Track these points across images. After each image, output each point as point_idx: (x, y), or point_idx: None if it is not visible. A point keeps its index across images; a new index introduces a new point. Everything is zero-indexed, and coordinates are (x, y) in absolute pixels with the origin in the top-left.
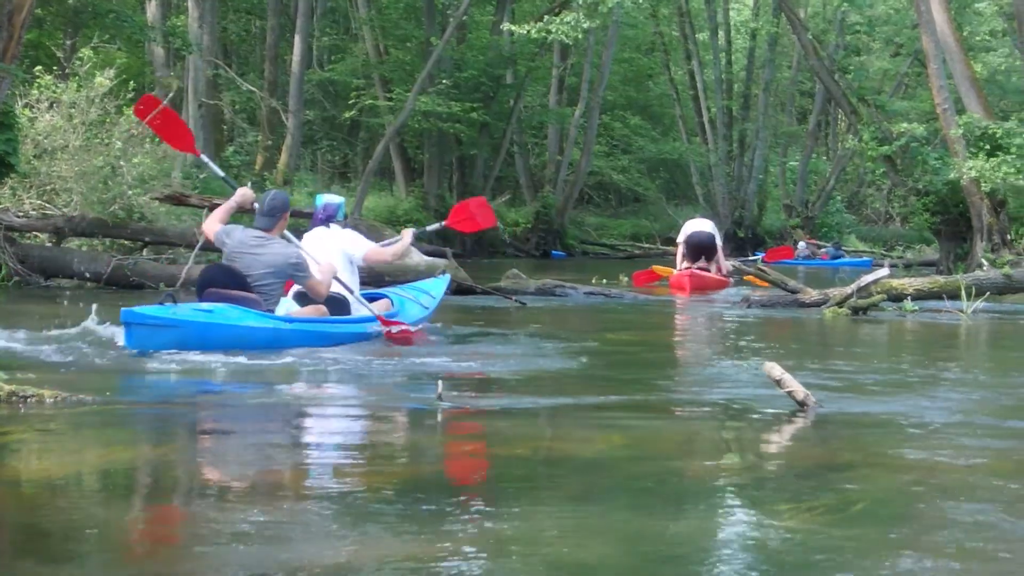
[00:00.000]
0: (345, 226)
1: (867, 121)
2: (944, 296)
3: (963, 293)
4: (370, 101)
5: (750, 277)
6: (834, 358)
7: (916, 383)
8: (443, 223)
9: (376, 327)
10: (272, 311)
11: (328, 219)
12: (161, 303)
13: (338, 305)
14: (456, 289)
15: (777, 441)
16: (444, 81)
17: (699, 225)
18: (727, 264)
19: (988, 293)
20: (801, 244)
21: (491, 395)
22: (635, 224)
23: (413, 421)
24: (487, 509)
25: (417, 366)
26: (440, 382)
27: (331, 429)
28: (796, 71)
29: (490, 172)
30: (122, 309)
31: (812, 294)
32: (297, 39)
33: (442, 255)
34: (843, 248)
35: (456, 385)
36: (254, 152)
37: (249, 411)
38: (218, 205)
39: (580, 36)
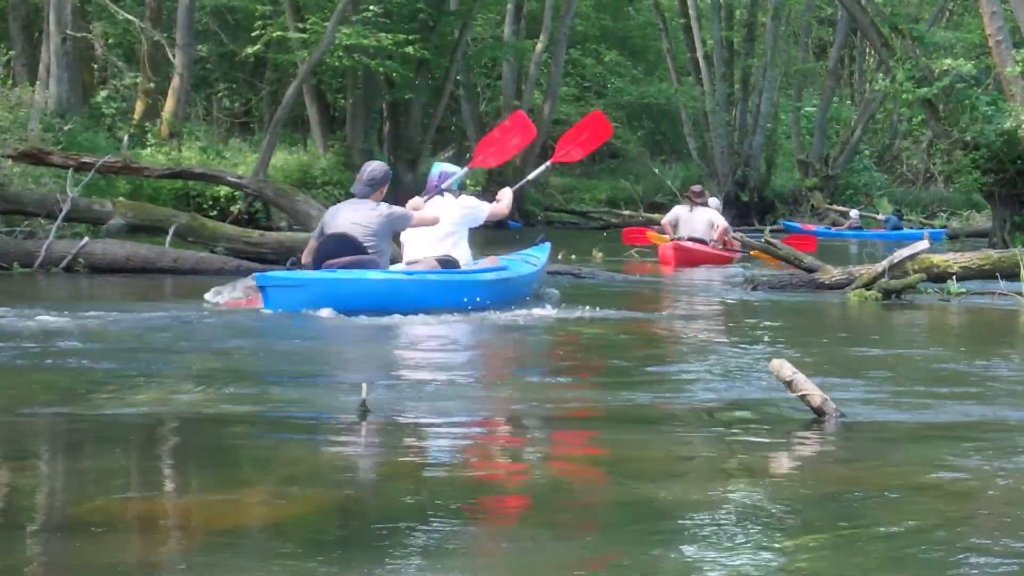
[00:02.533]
0: (457, 193)
1: (901, 57)
2: (998, 275)
3: (1022, 271)
4: (278, 33)
5: (757, 252)
6: (860, 354)
7: (961, 386)
8: (549, 162)
9: (490, 275)
10: (384, 265)
11: (441, 185)
12: (288, 267)
13: (448, 263)
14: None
15: (788, 459)
16: (372, 7)
17: (692, 222)
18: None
19: None
20: (854, 212)
21: (432, 401)
22: (612, 186)
23: (331, 435)
24: (411, 550)
25: (340, 365)
26: (365, 386)
27: (223, 449)
28: None
29: (430, 121)
30: (256, 274)
31: (833, 273)
32: None
33: None
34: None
35: (388, 390)
36: (132, 97)
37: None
38: (86, 163)
39: None
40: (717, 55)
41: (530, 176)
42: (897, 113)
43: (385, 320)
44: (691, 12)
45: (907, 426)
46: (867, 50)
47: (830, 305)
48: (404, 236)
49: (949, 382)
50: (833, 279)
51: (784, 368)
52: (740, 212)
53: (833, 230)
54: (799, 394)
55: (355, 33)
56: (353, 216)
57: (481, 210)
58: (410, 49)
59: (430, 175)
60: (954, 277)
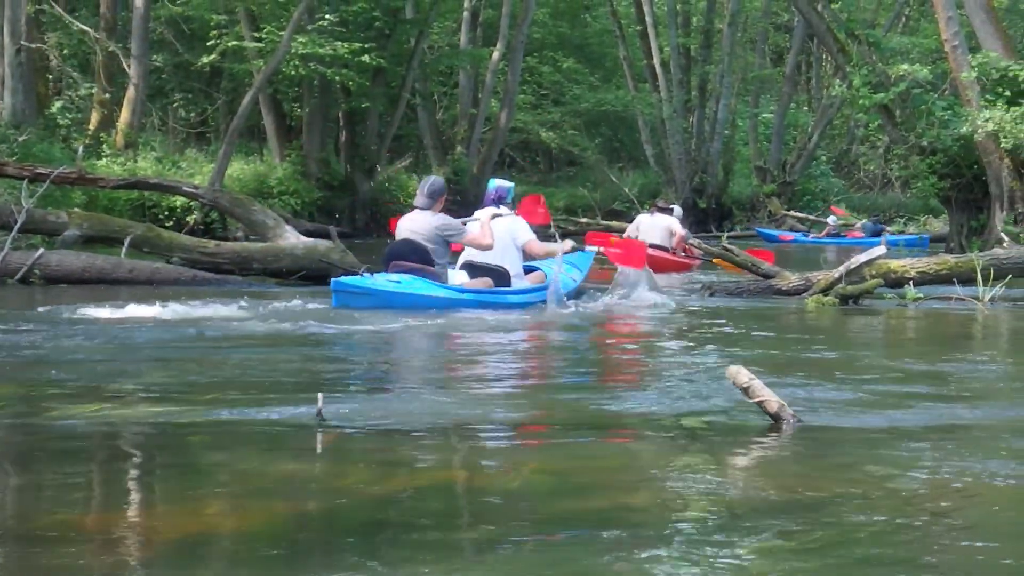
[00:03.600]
0: (511, 206)
1: (858, 62)
2: (955, 280)
3: (979, 276)
4: (234, 43)
5: (718, 260)
6: (817, 359)
7: (919, 391)
8: (600, 249)
9: (533, 297)
10: (443, 271)
11: (499, 200)
12: (360, 274)
13: (500, 277)
14: (344, 276)
15: (745, 465)
16: (328, 16)
17: (651, 230)
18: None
19: (1010, 276)
20: (832, 218)
21: (388, 411)
22: (570, 193)
23: (287, 446)
24: (369, 559)
25: (296, 373)
26: (321, 396)
27: (181, 461)
28: (769, 0)
29: (386, 130)
30: (332, 279)
31: (791, 279)
32: None
33: (325, 235)
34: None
35: (344, 399)
36: (88, 108)
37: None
38: (41, 174)
39: None
40: (674, 62)
41: (588, 251)
42: (854, 119)
43: (352, 327)
44: (648, 19)
45: (864, 430)
46: (824, 56)
47: (787, 311)
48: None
49: (906, 386)
50: (791, 285)
51: (741, 374)
52: (698, 219)
53: (811, 237)
54: (756, 400)
55: (311, 42)
56: (412, 225)
57: (520, 236)
58: (366, 58)
59: (487, 189)
60: (911, 282)
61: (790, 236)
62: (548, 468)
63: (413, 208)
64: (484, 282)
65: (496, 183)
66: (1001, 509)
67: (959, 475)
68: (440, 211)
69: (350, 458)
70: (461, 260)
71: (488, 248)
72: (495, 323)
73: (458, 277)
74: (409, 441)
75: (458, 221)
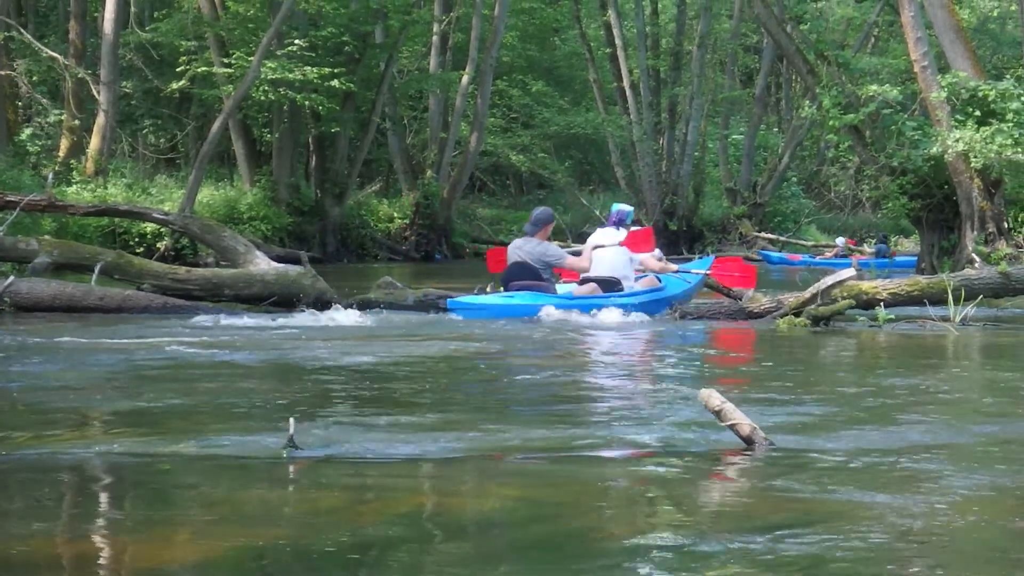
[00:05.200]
0: (629, 227)
1: (827, 83)
2: (926, 301)
3: (950, 297)
4: (203, 68)
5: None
6: (788, 381)
7: (890, 413)
8: (707, 272)
9: (637, 299)
10: (551, 288)
11: (619, 222)
12: (476, 292)
13: (611, 285)
14: (314, 302)
15: (718, 489)
16: (297, 41)
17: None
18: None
19: (981, 296)
20: (840, 240)
21: (359, 437)
22: None
23: (258, 472)
24: None
25: (267, 399)
26: (292, 421)
27: (149, 488)
28: (738, 21)
29: (356, 155)
30: (448, 300)
31: (762, 301)
32: None
33: (296, 260)
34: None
35: (316, 425)
36: (57, 135)
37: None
38: (11, 202)
39: None
40: (644, 84)
41: (687, 265)
42: (824, 139)
43: (324, 352)
44: (617, 41)
45: (836, 452)
46: (794, 77)
47: (759, 333)
48: (595, 254)
49: (878, 408)
50: (762, 307)
51: (713, 398)
52: (669, 241)
53: (818, 259)
54: (728, 423)
55: (280, 67)
56: (519, 250)
57: (635, 253)
58: (336, 82)
59: (611, 212)
60: (882, 303)
61: (798, 257)
62: (521, 493)
63: (523, 234)
64: (591, 288)
65: (618, 207)
66: (976, 528)
67: (933, 495)
68: (546, 237)
69: (322, 485)
70: (582, 275)
71: (584, 271)
72: (475, 348)
73: (573, 288)
74: (381, 468)
75: (559, 249)
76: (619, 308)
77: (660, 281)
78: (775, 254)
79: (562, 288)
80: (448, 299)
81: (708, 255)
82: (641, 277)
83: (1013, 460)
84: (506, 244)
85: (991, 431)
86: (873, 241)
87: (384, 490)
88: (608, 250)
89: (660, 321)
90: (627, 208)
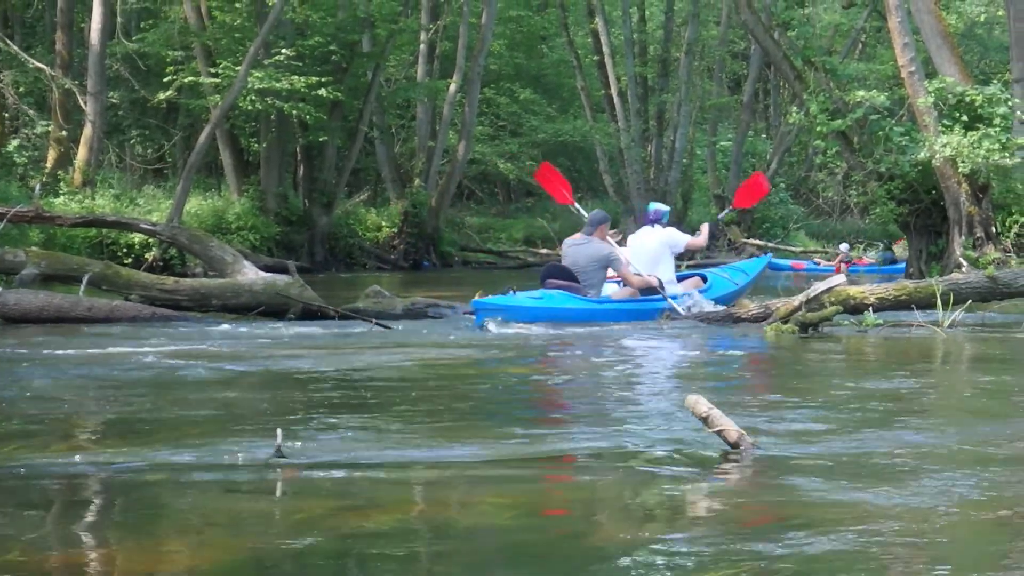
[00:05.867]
0: (665, 226)
1: (815, 89)
2: (914, 306)
3: (938, 301)
4: (190, 78)
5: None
6: (776, 387)
7: (878, 417)
8: (730, 207)
9: (663, 304)
10: (595, 293)
11: (656, 221)
12: (503, 293)
13: (650, 288)
14: (303, 313)
15: (705, 494)
16: (284, 51)
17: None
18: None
19: (969, 301)
20: (843, 246)
21: (346, 447)
22: (528, 224)
23: (246, 482)
24: None
25: (255, 409)
26: (280, 432)
27: (138, 498)
28: (725, 28)
29: (344, 164)
30: (472, 300)
31: (750, 307)
32: (96, 2)
33: (283, 270)
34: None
35: (302, 435)
36: (44, 146)
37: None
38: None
39: None
40: (631, 91)
41: (720, 215)
42: (812, 146)
43: (302, 364)
44: (605, 49)
45: (824, 457)
46: (781, 83)
47: (747, 339)
48: (632, 257)
49: (865, 413)
50: (750, 313)
51: (700, 404)
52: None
53: (823, 265)
54: (715, 429)
55: (267, 76)
56: (573, 252)
57: (680, 240)
58: (323, 91)
59: (648, 211)
60: (871, 309)
61: (803, 265)
62: (510, 500)
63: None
64: (629, 292)
65: (655, 206)
66: (963, 533)
67: (921, 501)
68: (603, 237)
69: (310, 495)
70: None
71: (633, 286)
72: (461, 356)
73: (612, 290)
74: (370, 477)
75: (620, 253)
76: (646, 312)
77: (705, 281)
78: (778, 261)
79: (607, 288)
80: (473, 300)
81: (764, 254)
82: (686, 276)
83: (1002, 463)
84: (499, 252)
85: (979, 434)
86: (878, 248)
87: (373, 498)
88: (646, 244)
89: (647, 328)
90: (664, 208)
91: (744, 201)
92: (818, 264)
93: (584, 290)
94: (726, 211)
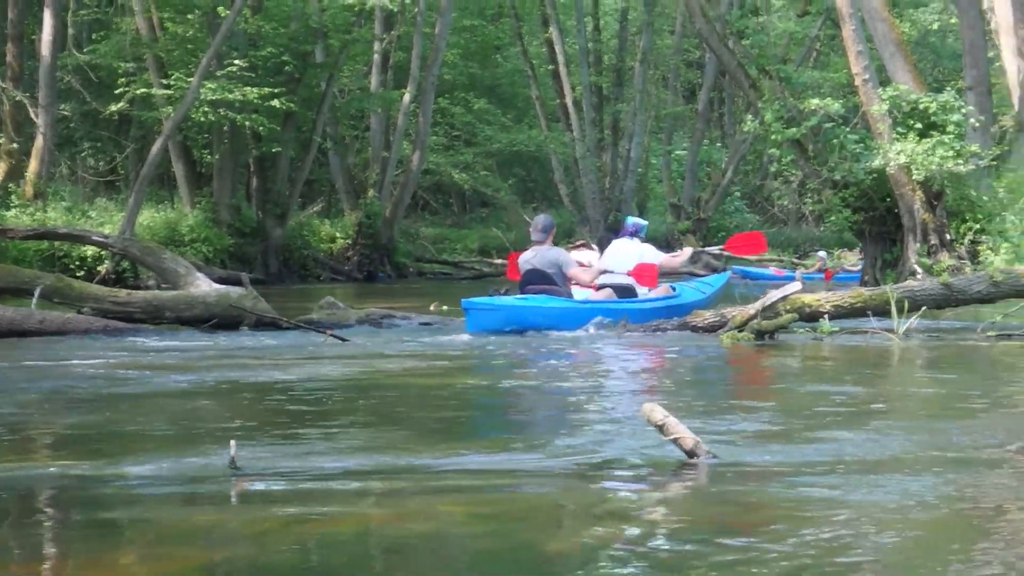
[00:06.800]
0: (643, 240)
1: (769, 98)
2: (870, 313)
3: (893, 308)
4: (143, 90)
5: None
6: (732, 395)
7: (833, 424)
8: (722, 248)
9: (651, 305)
10: (568, 296)
11: (634, 234)
12: (491, 295)
13: (627, 291)
14: (257, 324)
15: (661, 503)
16: (237, 61)
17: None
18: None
19: (924, 308)
20: (821, 253)
21: (302, 458)
22: (483, 235)
23: (200, 494)
24: None
25: (210, 419)
26: (233, 443)
27: (90, 510)
28: (680, 37)
29: (297, 175)
30: (462, 300)
31: (705, 316)
32: (47, 14)
33: (237, 282)
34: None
35: (257, 446)
36: None
37: None
38: None
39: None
40: (586, 100)
41: (707, 249)
42: (767, 154)
43: (256, 376)
44: (559, 58)
45: (780, 465)
46: (736, 92)
47: (702, 348)
48: (603, 265)
49: (821, 420)
50: (705, 322)
51: (656, 412)
52: None
53: (801, 273)
54: (671, 437)
55: (220, 88)
56: (533, 257)
57: (651, 257)
58: (276, 102)
59: (626, 223)
60: (826, 316)
61: (783, 272)
62: (466, 509)
63: (532, 244)
64: (606, 294)
65: (633, 219)
66: (920, 539)
67: (881, 506)
68: (551, 242)
69: (266, 506)
70: (598, 281)
71: (586, 285)
72: (416, 366)
73: (587, 293)
74: (326, 488)
75: (570, 256)
76: (624, 313)
77: (674, 289)
78: (754, 270)
79: (577, 294)
80: (463, 300)
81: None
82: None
83: (953, 469)
84: (454, 262)
85: (936, 438)
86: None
87: (328, 509)
88: (625, 252)
89: (603, 336)
90: (642, 221)
91: (737, 249)
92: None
93: (561, 292)
94: (714, 249)
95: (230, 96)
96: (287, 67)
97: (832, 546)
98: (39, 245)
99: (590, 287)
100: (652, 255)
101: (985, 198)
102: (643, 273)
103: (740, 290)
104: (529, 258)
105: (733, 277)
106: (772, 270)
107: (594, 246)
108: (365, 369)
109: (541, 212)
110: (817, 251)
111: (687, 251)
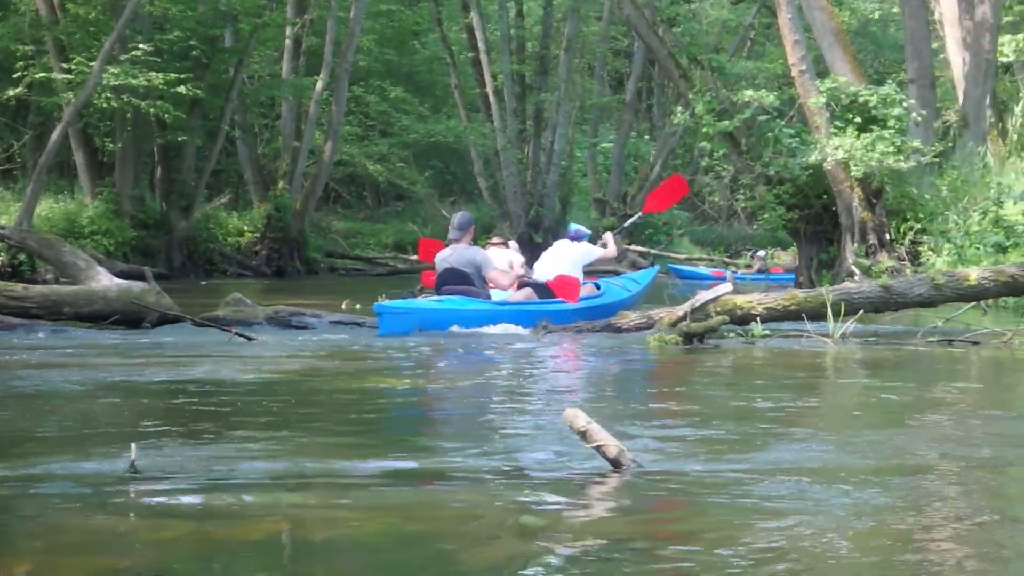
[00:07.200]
0: (581, 242)
1: (701, 88)
2: (804, 316)
3: (829, 311)
4: (42, 74)
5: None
6: (659, 401)
7: (764, 432)
8: (640, 213)
9: (563, 305)
10: (486, 297)
11: (576, 238)
12: (404, 297)
13: (548, 291)
14: (160, 321)
15: (581, 514)
16: (141, 45)
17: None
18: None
19: (861, 311)
20: (761, 252)
21: (203, 463)
22: (399, 229)
23: (99, 499)
24: None
25: (111, 421)
26: (134, 446)
27: None
28: (607, 24)
29: (204, 165)
30: (375, 304)
31: (631, 317)
32: None
33: (139, 276)
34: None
35: (157, 450)
36: None
37: None
38: None
39: None
40: (508, 90)
41: (625, 224)
42: (698, 147)
43: (159, 375)
44: (480, 45)
45: (706, 474)
46: (666, 82)
47: (627, 351)
48: (538, 267)
49: (750, 427)
50: (631, 323)
51: (578, 418)
52: (535, 255)
53: (739, 273)
54: (594, 445)
55: (123, 73)
56: (450, 256)
57: (593, 253)
58: (182, 88)
59: (569, 230)
60: (758, 319)
61: (722, 272)
62: (378, 519)
63: (449, 242)
64: (526, 294)
65: (576, 227)
66: (852, 550)
67: (805, 518)
68: (470, 241)
69: (166, 512)
70: (520, 281)
71: (504, 289)
72: (330, 367)
73: (509, 294)
74: (230, 494)
75: (489, 256)
76: (544, 315)
77: (599, 288)
78: (688, 268)
79: (496, 295)
80: (375, 303)
81: (651, 265)
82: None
83: (886, 478)
84: (367, 258)
85: (869, 447)
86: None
87: (233, 517)
88: (562, 257)
89: (522, 338)
90: (585, 230)
91: (658, 205)
92: (736, 272)
93: (479, 293)
94: (634, 217)
95: (134, 82)
96: (194, 52)
97: (762, 558)
98: None
99: (510, 288)
100: (592, 253)
101: (927, 196)
102: (564, 286)
103: (669, 290)
104: (446, 256)
105: (663, 276)
106: (707, 270)
107: (514, 243)
108: (273, 369)
109: (459, 206)
110: (755, 251)
111: (608, 236)
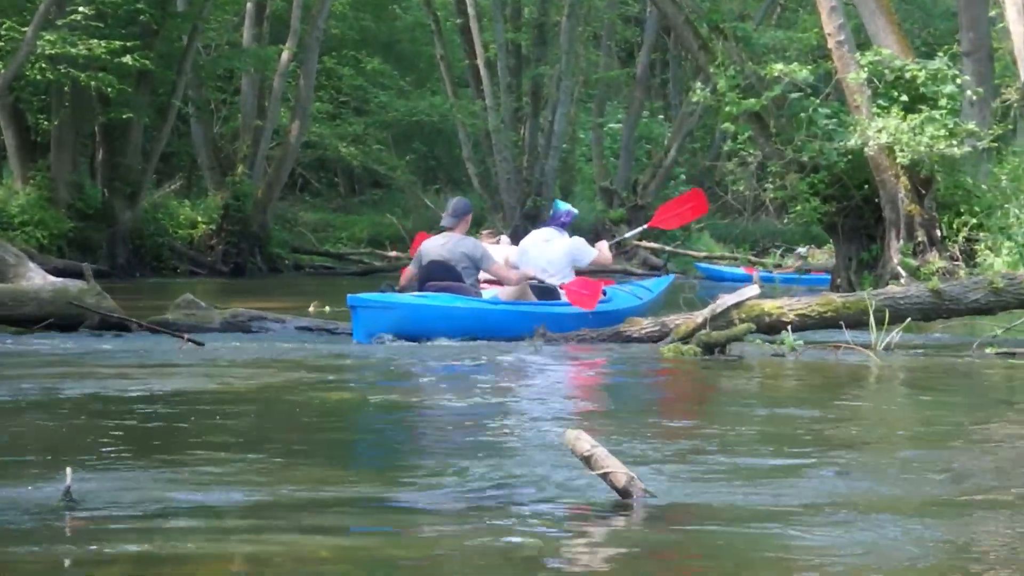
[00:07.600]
0: (572, 234)
1: (724, 61)
2: (843, 324)
3: (871, 319)
4: None
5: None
6: (673, 421)
7: (793, 458)
8: (646, 225)
9: (565, 308)
10: (476, 295)
11: (564, 224)
12: (382, 290)
13: (548, 293)
14: (100, 325)
15: (585, 551)
16: (81, 9)
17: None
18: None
19: (909, 319)
20: (802, 249)
21: (147, 488)
22: (375, 222)
23: (30, 527)
24: None
25: (37, 444)
26: (69, 471)
27: None
28: None
29: (153, 147)
30: (348, 295)
31: (642, 324)
32: None
33: (77, 274)
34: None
35: (96, 474)
36: None
37: None
38: None
39: None
40: (502, 62)
41: (627, 234)
42: (720, 129)
43: (99, 388)
44: (470, 11)
45: (728, 508)
46: (683, 54)
47: (638, 363)
48: (520, 261)
49: (778, 456)
50: (643, 331)
51: (581, 441)
52: None
53: (767, 272)
54: (600, 472)
55: (61, 40)
56: (439, 249)
57: (586, 255)
58: (128, 59)
59: (557, 210)
60: (789, 327)
61: (754, 271)
62: (340, 555)
63: (441, 229)
64: (518, 292)
65: (566, 206)
66: None
67: (847, 560)
68: (466, 230)
69: (105, 543)
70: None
71: (513, 285)
72: (293, 378)
73: (499, 291)
74: (177, 523)
75: (487, 249)
76: (538, 317)
77: (605, 293)
78: (718, 268)
79: (487, 293)
80: (348, 295)
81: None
82: None
83: (931, 514)
84: (339, 254)
85: (909, 480)
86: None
87: (179, 549)
88: (549, 250)
89: (522, 347)
90: (575, 210)
91: (669, 222)
92: (772, 272)
93: (469, 291)
94: (638, 229)
95: (72, 50)
96: (142, 16)
97: None
98: None
99: (514, 283)
100: (584, 252)
101: (984, 187)
102: (582, 292)
103: (687, 293)
104: (436, 247)
105: (681, 278)
106: (741, 268)
107: (506, 237)
108: (229, 381)
109: (445, 195)
110: (798, 249)
111: (603, 244)
